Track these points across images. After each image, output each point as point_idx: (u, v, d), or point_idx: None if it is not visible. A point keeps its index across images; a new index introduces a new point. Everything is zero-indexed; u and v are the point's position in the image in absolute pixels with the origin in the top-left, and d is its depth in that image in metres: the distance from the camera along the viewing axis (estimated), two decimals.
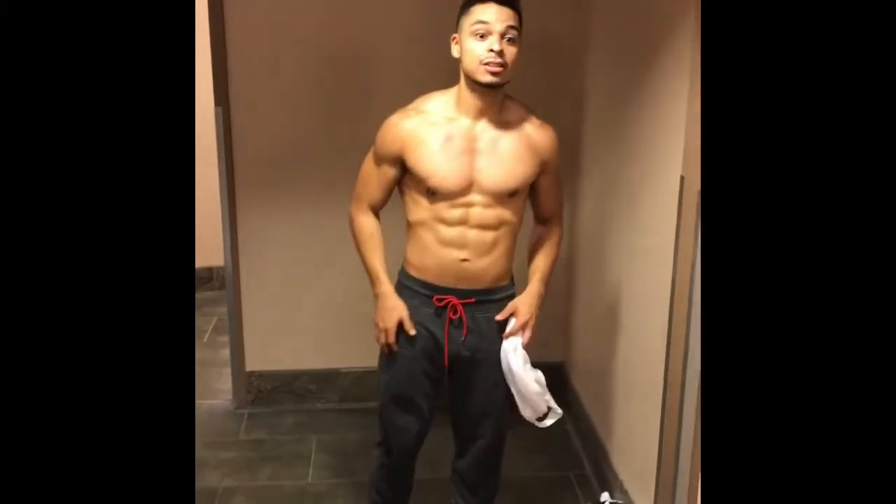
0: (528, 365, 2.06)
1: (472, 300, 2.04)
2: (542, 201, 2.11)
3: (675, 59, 2.01)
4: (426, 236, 2.01)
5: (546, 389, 2.07)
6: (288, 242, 3.15)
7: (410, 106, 2.01)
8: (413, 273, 2.07)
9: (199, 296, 4.52)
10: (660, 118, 2.16)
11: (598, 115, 2.85)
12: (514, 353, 2.05)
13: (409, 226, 2.05)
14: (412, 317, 2.05)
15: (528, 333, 2.07)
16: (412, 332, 2.04)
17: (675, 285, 2.00)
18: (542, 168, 2.03)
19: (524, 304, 2.07)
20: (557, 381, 3.32)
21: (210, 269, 4.56)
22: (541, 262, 2.14)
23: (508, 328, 2.06)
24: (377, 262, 2.08)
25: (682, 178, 1.93)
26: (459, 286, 2.03)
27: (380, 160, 2.03)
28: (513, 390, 2.07)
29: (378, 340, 2.09)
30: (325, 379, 3.30)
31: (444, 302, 2.04)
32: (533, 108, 2.05)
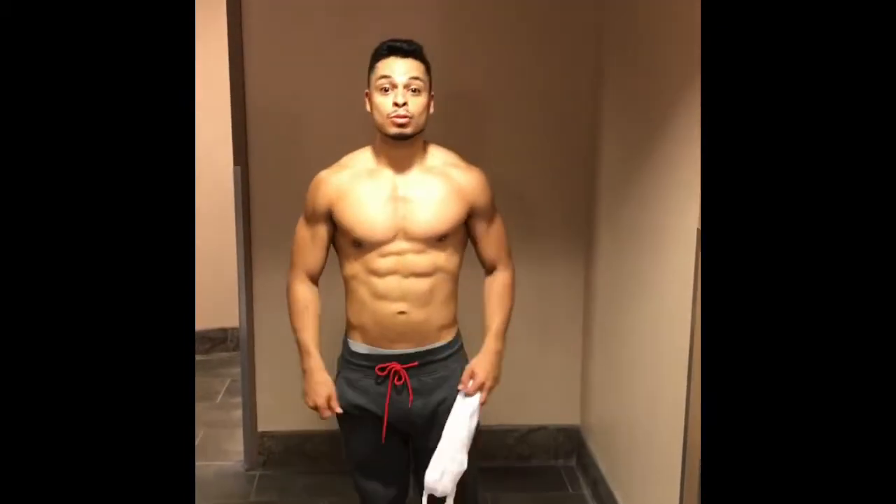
0: (474, 422, 2.03)
1: (415, 363, 2.01)
2: (482, 247, 2.09)
3: (689, 113, 2.03)
4: (360, 290, 2.00)
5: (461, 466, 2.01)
6: None
7: (335, 164, 2.05)
8: (354, 338, 2.06)
9: (212, 357, 4.52)
10: (674, 171, 2.17)
11: (613, 172, 2.86)
12: (464, 408, 2.00)
13: (345, 282, 2.05)
14: (356, 388, 2.04)
15: (483, 395, 2.03)
16: (338, 410, 2.04)
17: (693, 341, 1.97)
18: (472, 211, 2.02)
19: (480, 367, 2.03)
20: (573, 444, 3.28)
21: (224, 330, 4.56)
22: (495, 317, 2.08)
23: (464, 386, 2.02)
24: (308, 335, 2.06)
25: (699, 231, 1.92)
26: (400, 348, 2.00)
27: (311, 219, 2.04)
28: (443, 439, 2.00)
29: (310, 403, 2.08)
30: (337, 441, 3.24)
31: (387, 370, 2.00)
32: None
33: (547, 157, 3.09)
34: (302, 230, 2.08)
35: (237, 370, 3.48)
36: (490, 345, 2.06)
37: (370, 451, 2.10)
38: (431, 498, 2.04)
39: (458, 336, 2.10)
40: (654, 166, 2.35)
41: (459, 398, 2.02)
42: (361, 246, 1.97)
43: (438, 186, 1.98)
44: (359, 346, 2.05)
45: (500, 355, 2.07)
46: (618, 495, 2.76)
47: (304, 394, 2.07)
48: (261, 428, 3.25)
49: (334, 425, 3.24)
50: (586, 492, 3.07)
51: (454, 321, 2.08)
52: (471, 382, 2.02)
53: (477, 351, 2.08)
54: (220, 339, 4.59)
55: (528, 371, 3.19)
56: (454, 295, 2.05)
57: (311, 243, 2.06)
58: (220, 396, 4.01)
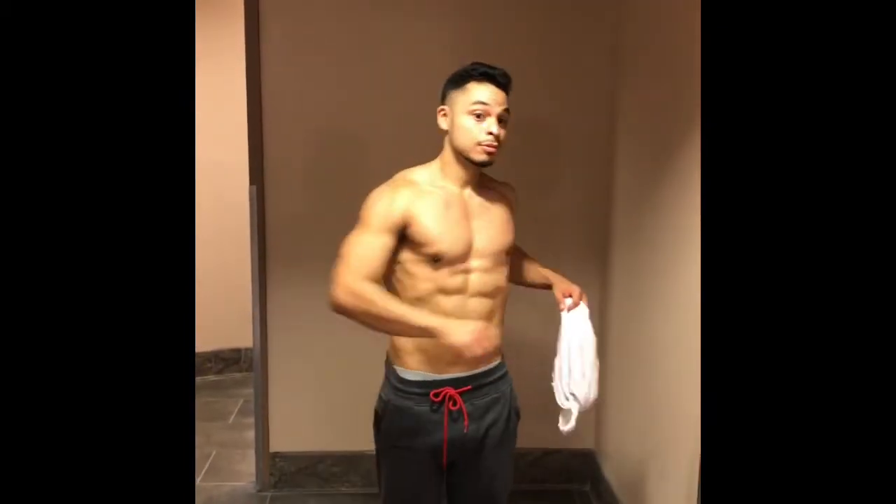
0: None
1: (469, 387, 1.97)
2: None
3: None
4: (424, 311, 1.86)
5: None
6: (317, 324, 3.13)
7: (393, 180, 1.99)
8: (405, 364, 1.97)
9: (226, 377, 4.53)
10: (689, 189, 2.16)
11: (628, 193, 2.85)
12: (579, 316, 2.06)
13: (410, 304, 1.90)
14: (407, 416, 1.96)
15: (582, 298, 2.09)
16: (495, 339, 1.81)
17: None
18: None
19: (570, 284, 2.10)
20: (588, 468, 3.25)
21: (238, 350, 4.57)
22: (538, 265, 2.20)
23: (563, 304, 2.07)
24: (400, 306, 1.82)
25: None
26: (455, 372, 1.95)
27: (380, 230, 1.88)
28: (575, 365, 2.02)
29: (478, 351, 1.74)
30: (349, 462, 3.24)
31: (441, 395, 1.95)
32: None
33: (562, 179, 3.09)
34: (366, 238, 1.89)
35: (250, 391, 3.49)
36: (555, 273, 2.16)
37: (414, 484, 2.02)
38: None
39: (503, 358, 2.09)
40: (669, 185, 2.34)
41: (565, 315, 2.06)
42: (438, 261, 1.90)
43: (498, 204, 2.02)
44: (410, 374, 1.97)
45: None
46: None
47: (457, 343, 1.73)
48: (273, 448, 3.24)
49: (347, 446, 3.25)
50: None
51: (502, 347, 2.06)
52: (569, 301, 2.06)
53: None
54: (234, 359, 4.60)
55: (543, 393, 3.15)
56: (503, 316, 2.05)
57: (377, 251, 1.87)
58: (232, 416, 4.00)
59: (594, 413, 3.23)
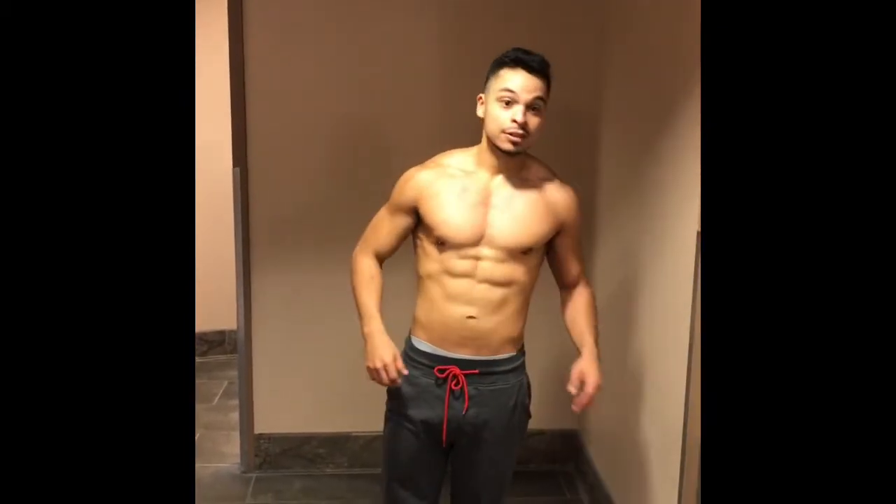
0: None
1: (476, 371, 1.98)
2: (566, 265, 2.06)
3: (688, 118, 2.03)
4: (433, 290, 1.97)
5: None
6: (301, 306, 3.14)
7: (430, 160, 2.01)
8: (418, 335, 2.02)
9: (210, 359, 4.51)
10: (673, 175, 2.17)
11: (613, 181, 2.86)
12: None
13: (419, 280, 2.02)
14: (412, 385, 1.99)
15: (591, 399, 1.96)
16: (405, 372, 1.92)
17: (693, 346, 1.97)
18: (560, 228, 1.99)
19: (591, 368, 1.95)
20: (571, 449, 3.27)
21: (222, 333, 4.55)
22: (589, 327, 2.04)
23: (574, 388, 1.95)
24: (371, 300, 1.99)
25: (699, 234, 1.92)
26: (463, 353, 1.97)
27: (395, 209, 2.02)
28: None
29: (379, 381, 1.93)
30: (334, 443, 3.25)
31: (446, 373, 1.98)
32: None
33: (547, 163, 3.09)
34: (383, 213, 2.05)
35: (234, 373, 3.48)
36: (593, 350, 1.99)
37: (410, 457, 2.05)
38: None
39: (522, 351, 2.07)
40: (654, 171, 2.35)
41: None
42: (444, 244, 1.93)
43: (531, 200, 1.95)
44: (422, 344, 2.01)
45: (600, 360, 2.01)
46: (616, 500, 2.75)
47: (366, 357, 1.93)
48: (258, 430, 3.24)
49: (332, 427, 3.26)
50: (584, 497, 3.06)
51: (520, 336, 2.05)
52: (582, 388, 1.95)
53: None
54: (218, 341, 4.58)
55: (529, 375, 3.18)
56: (525, 309, 2.03)
57: (387, 228, 2.03)
58: (217, 398, 4.00)
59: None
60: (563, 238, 2.02)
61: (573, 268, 2.08)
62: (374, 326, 1.95)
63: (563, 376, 3.38)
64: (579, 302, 2.07)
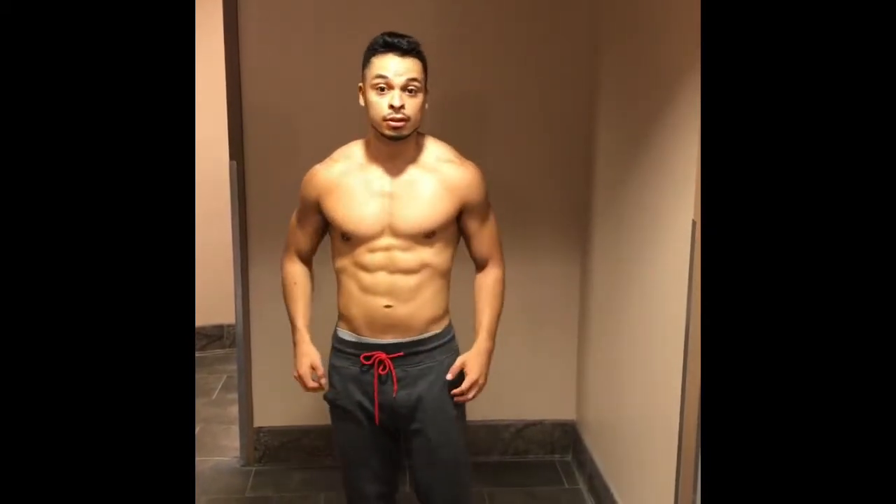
0: None
1: (401, 353, 2.00)
2: (474, 244, 2.07)
3: (684, 108, 2.04)
4: (349, 284, 2.01)
5: None
6: None
7: (330, 156, 2.05)
8: (342, 327, 2.07)
9: (208, 353, 4.52)
10: (669, 164, 2.17)
11: (608, 167, 2.86)
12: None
13: (336, 274, 2.06)
14: (342, 375, 2.06)
15: (475, 392, 2.03)
16: (323, 381, 2.06)
17: (689, 336, 1.98)
18: (464, 207, 1.99)
19: (474, 363, 2.01)
20: (569, 439, 3.29)
21: (220, 327, 4.56)
22: (485, 316, 2.06)
23: (452, 376, 2.03)
24: (296, 309, 2.11)
25: (694, 223, 1.93)
26: (387, 338, 1.99)
27: (303, 209, 2.08)
28: None
29: (304, 388, 2.09)
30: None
31: (372, 359, 2.00)
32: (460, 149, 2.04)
33: (542, 153, 3.09)
34: (295, 215, 2.13)
35: (233, 366, 3.48)
36: (482, 344, 2.04)
37: (357, 443, 2.10)
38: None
39: (448, 328, 2.08)
40: (649, 160, 2.35)
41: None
42: (350, 240, 1.97)
43: (429, 183, 1.95)
44: (346, 335, 2.06)
45: (490, 354, 2.05)
46: (614, 489, 2.77)
47: (294, 368, 2.09)
48: (257, 423, 3.25)
49: (330, 420, 3.26)
50: (582, 486, 3.08)
51: (444, 314, 2.06)
52: (461, 379, 2.02)
53: (468, 348, 2.07)
54: (216, 335, 4.59)
55: (524, 366, 3.20)
56: (444, 290, 2.04)
57: (301, 229, 2.11)
58: (216, 392, 4.01)
59: (575, 385, 3.26)
60: (468, 217, 2.02)
61: (482, 247, 2.07)
62: (298, 336, 2.09)
63: (558, 368, 3.39)
64: (482, 284, 2.09)
